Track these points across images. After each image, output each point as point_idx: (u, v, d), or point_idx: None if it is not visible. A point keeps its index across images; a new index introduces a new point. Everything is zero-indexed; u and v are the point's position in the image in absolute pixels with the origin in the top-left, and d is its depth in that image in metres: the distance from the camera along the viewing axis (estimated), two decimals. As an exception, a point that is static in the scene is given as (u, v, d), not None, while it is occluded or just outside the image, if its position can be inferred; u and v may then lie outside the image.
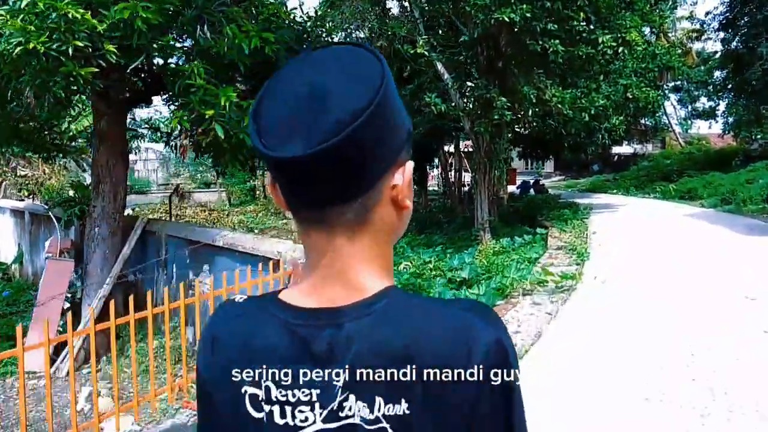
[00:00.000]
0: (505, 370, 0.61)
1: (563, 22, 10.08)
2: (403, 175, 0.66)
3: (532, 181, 25.21)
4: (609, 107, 12.83)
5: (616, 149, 38.73)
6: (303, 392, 0.62)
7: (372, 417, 0.60)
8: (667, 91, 34.92)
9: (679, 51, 14.58)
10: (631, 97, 12.80)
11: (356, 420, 0.61)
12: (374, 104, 0.60)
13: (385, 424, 0.60)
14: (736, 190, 15.85)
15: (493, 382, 0.60)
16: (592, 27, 10.39)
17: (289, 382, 0.63)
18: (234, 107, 4.78)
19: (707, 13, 25.39)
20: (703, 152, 28.70)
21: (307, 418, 0.62)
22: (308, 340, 0.63)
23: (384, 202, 0.66)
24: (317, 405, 0.62)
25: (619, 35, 9.95)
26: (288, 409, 0.63)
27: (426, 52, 10.87)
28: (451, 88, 11.73)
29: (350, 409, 0.61)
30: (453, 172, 21.46)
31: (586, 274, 6.64)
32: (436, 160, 22.22)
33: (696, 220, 12.08)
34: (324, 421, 0.62)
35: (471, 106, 11.57)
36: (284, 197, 0.67)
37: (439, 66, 11.81)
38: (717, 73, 36.29)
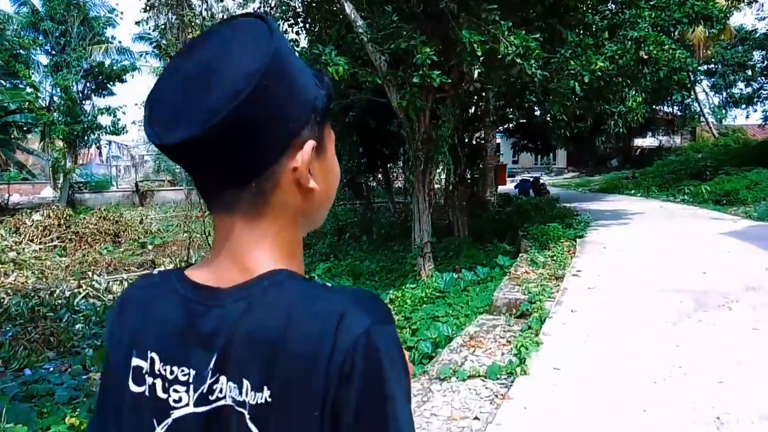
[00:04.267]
0: (373, 370, 0.55)
1: None
2: (302, 157, 0.63)
3: (531, 180, 20.86)
4: (613, 73, 8.57)
5: (638, 141, 33.96)
6: (182, 371, 0.61)
7: (240, 399, 0.58)
8: (698, 74, 30.08)
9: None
10: (646, 57, 8.52)
11: (228, 401, 0.59)
12: (254, 86, 0.58)
13: (244, 411, 0.58)
14: (797, 195, 11.48)
15: (356, 383, 0.55)
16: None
17: (172, 358, 0.62)
18: None
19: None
20: (743, 144, 23.96)
21: (181, 399, 0.61)
22: (196, 318, 0.62)
23: (284, 185, 0.64)
24: (192, 387, 0.60)
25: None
26: (166, 385, 0.62)
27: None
28: (368, 42, 7.66)
29: (221, 391, 0.59)
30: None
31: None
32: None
33: (742, 244, 7.81)
34: (195, 404, 0.60)
35: (390, 67, 7.48)
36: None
37: (348, 7, 7.74)
38: (757, 54, 31.47)
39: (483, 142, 16.55)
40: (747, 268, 6.29)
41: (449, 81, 6.60)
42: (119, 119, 25.07)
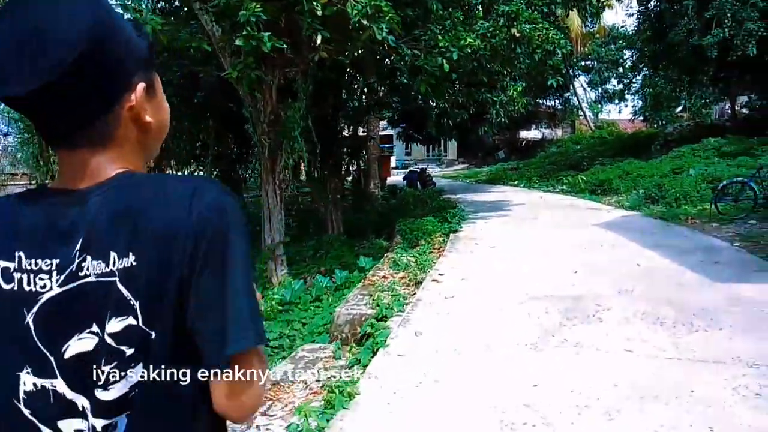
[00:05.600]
0: (222, 223, 0.70)
1: None
2: (136, 96, 0.75)
3: (418, 171, 20.28)
4: (486, 53, 7.82)
5: (523, 133, 34.91)
6: (45, 262, 0.70)
7: (107, 270, 0.68)
8: (576, 69, 31.36)
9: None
10: (519, 36, 7.86)
11: (91, 278, 0.69)
12: (86, 42, 0.67)
13: (115, 278, 0.68)
14: (664, 184, 11.59)
15: (210, 234, 0.69)
16: None
17: (36, 253, 0.71)
18: None
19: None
20: (616, 136, 25.15)
21: (45, 285, 0.70)
22: (57, 217, 0.71)
23: (124, 122, 0.75)
24: (54, 273, 0.70)
25: None
26: (32, 277, 0.70)
27: None
28: (194, 0, 6.21)
29: (87, 269, 0.69)
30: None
31: None
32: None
33: (615, 237, 7.39)
34: (60, 285, 0.70)
35: (226, 33, 6.11)
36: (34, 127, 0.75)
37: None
38: (627, 52, 33.40)
39: (366, 132, 15.58)
40: (620, 265, 5.71)
41: (284, 46, 5.35)
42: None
